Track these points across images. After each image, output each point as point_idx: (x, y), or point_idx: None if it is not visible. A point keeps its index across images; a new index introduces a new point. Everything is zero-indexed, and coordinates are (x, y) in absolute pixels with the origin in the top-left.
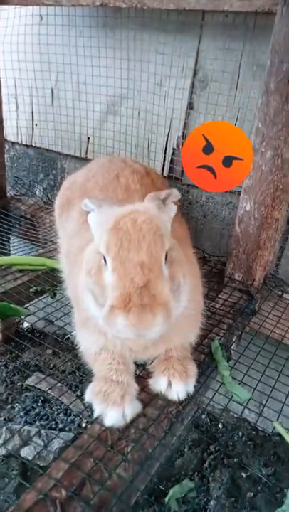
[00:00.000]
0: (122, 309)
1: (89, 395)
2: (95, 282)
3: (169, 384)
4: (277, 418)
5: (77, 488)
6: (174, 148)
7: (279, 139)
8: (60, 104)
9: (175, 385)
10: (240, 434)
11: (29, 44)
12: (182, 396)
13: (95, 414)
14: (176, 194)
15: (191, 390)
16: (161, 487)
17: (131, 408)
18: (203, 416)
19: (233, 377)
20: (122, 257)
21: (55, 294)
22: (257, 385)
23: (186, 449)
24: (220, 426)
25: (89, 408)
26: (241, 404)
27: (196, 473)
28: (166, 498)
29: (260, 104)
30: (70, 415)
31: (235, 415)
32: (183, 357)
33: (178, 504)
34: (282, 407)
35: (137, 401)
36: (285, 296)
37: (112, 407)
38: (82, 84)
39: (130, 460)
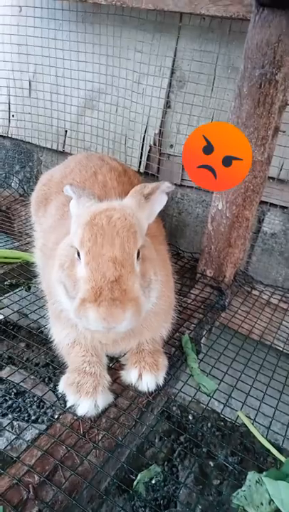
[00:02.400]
0: (92, 302)
1: (62, 386)
2: (68, 276)
3: (140, 376)
4: (241, 408)
5: (50, 473)
6: (150, 146)
7: (250, 141)
8: (38, 96)
9: (145, 377)
10: (208, 424)
11: (7, 35)
12: (152, 387)
13: (68, 405)
14: (167, 186)
15: (161, 381)
16: (132, 476)
17: (103, 398)
18: (174, 408)
19: (201, 370)
20: (95, 252)
21: (29, 288)
22: (224, 377)
23: (156, 440)
24: (190, 417)
25: (62, 400)
26: (208, 395)
27: (165, 462)
28: (134, 483)
29: (233, 107)
30: (42, 407)
31: (204, 406)
32: (154, 350)
33: (146, 488)
34: (246, 397)
35: (109, 392)
36: (253, 292)
37: (84, 397)
38: (61, 77)
39: (101, 447)
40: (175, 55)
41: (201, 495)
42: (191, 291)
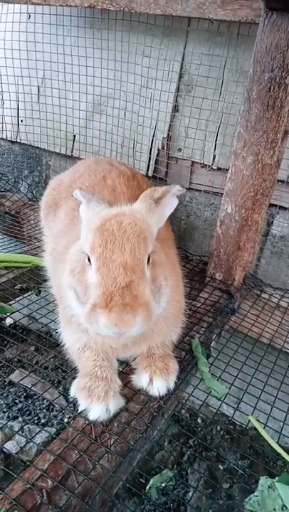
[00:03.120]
0: (103, 308)
1: (74, 391)
2: (78, 281)
3: (151, 380)
4: (252, 412)
5: (63, 478)
6: (158, 149)
7: (260, 144)
8: (47, 101)
9: (156, 381)
10: (218, 428)
11: (16, 41)
12: (163, 392)
13: (80, 409)
14: (178, 189)
15: (172, 385)
16: (141, 480)
17: (114, 403)
18: (183, 411)
19: (211, 374)
20: (105, 258)
21: (39, 292)
22: (234, 380)
23: (166, 443)
24: (199, 421)
25: (72, 404)
26: (219, 399)
27: (175, 466)
28: (147, 487)
29: (242, 111)
30: (52, 411)
31: (214, 410)
32: (164, 354)
33: (157, 493)
34: (257, 401)
35: (120, 396)
36: (263, 295)
37: (96, 402)
38: (69, 82)
39: (113, 452)
40: (183, 60)
41: (211, 499)
42: (201, 295)
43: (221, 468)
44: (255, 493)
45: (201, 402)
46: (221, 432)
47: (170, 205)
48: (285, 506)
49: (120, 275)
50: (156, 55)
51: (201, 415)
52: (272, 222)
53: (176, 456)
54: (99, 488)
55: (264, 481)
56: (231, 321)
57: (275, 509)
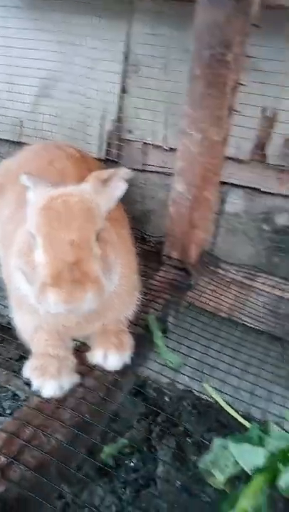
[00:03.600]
0: (52, 286)
1: (27, 371)
2: (26, 262)
3: (106, 356)
4: (209, 381)
5: (17, 454)
6: (109, 132)
7: (206, 122)
8: None
9: (111, 356)
10: (185, 404)
11: None
12: (118, 366)
13: (34, 388)
14: (125, 172)
15: (127, 360)
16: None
17: (68, 380)
18: (150, 390)
19: (168, 347)
20: (52, 236)
21: None
22: (191, 352)
23: (134, 423)
24: (166, 399)
25: (29, 385)
26: (175, 370)
27: (144, 443)
28: (102, 455)
29: (187, 89)
30: (18, 400)
31: (180, 386)
32: (119, 330)
33: (113, 460)
34: (214, 371)
35: (74, 373)
36: (219, 271)
37: (49, 380)
38: (14, 66)
39: (68, 425)
40: (128, 40)
41: (179, 471)
42: (158, 274)
43: (189, 441)
44: (209, 453)
45: (168, 380)
46: (188, 408)
47: (118, 188)
48: (237, 462)
49: (67, 252)
50: (101, 36)
51: (169, 393)
52: (225, 200)
53: (144, 435)
54: (54, 460)
55: (217, 441)
56: (189, 297)
57: (227, 465)
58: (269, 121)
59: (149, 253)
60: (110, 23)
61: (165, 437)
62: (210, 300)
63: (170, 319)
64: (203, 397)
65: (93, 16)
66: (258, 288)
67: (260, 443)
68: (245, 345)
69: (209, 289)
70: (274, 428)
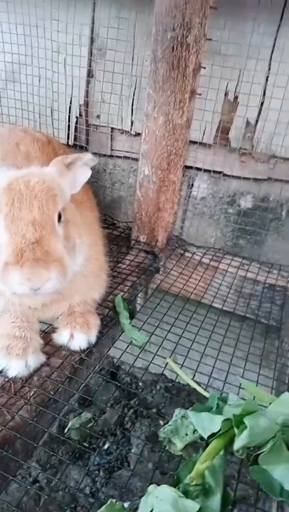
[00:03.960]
0: (15, 264)
1: None
2: None
3: (72, 335)
4: (171, 356)
5: None
6: (77, 117)
7: (169, 105)
8: None
9: (77, 336)
10: (158, 387)
11: None
12: (84, 345)
13: None
14: (90, 158)
15: (93, 339)
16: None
17: (34, 359)
18: (123, 376)
19: (133, 326)
20: (13, 215)
21: None
22: (155, 330)
23: (108, 407)
24: (140, 384)
25: None
26: (139, 348)
27: (118, 427)
28: (66, 430)
29: (150, 72)
30: None
31: (153, 372)
32: (85, 311)
33: (78, 434)
34: (175, 347)
35: (40, 353)
36: (186, 254)
37: (15, 359)
38: None
39: (33, 403)
40: (93, 23)
41: (152, 452)
42: (126, 257)
43: (162, 423)
44: (170, 423)
45: (141, 366)
46: (161, 391)
47: (83, 173)
48: (196, 431)
49: (29, 231)
50: (65, 19)
51: (142, 378)
52: (192, 184)
53: (118, 419)
54: (18, 436)
55: (178, 411)
56: (157, 280)
57: (186, 434)
58: (231, 105)
59: (119, 238)
60: (74, 5)
61: (138, 420)
62: (177, 282)
63: (138, 301)
64: (174, 380)
65: None
66: (223, 269)
67: (219, 412)
68: (210, 324)
69: (176, 272)
70: (232, 397)
